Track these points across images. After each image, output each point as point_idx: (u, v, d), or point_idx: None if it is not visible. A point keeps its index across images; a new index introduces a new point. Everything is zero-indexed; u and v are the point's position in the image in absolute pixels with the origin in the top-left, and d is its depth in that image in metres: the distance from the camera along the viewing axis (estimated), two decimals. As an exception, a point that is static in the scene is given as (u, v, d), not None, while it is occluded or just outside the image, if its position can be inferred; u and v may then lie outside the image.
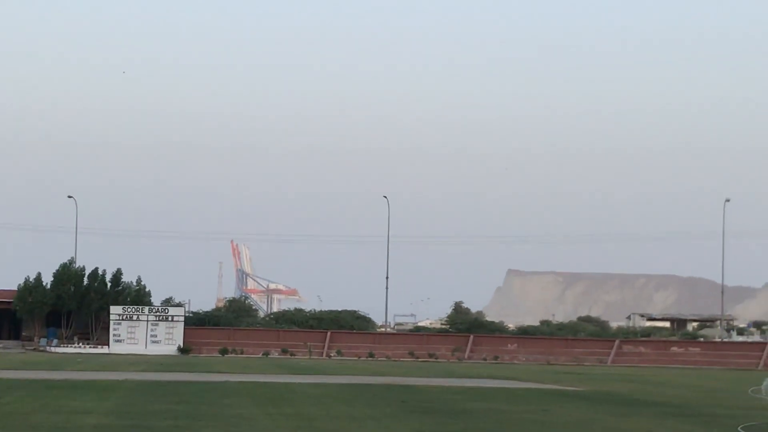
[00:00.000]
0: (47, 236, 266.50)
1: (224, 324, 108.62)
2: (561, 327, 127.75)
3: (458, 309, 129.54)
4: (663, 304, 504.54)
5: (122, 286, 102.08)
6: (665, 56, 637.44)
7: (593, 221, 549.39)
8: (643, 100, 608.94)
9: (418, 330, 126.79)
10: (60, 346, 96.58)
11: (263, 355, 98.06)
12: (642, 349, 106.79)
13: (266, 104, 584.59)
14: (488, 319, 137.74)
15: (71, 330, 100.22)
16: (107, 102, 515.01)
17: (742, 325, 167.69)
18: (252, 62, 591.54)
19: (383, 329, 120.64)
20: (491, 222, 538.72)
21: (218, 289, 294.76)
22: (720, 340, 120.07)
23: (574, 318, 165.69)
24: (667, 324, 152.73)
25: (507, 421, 30.03)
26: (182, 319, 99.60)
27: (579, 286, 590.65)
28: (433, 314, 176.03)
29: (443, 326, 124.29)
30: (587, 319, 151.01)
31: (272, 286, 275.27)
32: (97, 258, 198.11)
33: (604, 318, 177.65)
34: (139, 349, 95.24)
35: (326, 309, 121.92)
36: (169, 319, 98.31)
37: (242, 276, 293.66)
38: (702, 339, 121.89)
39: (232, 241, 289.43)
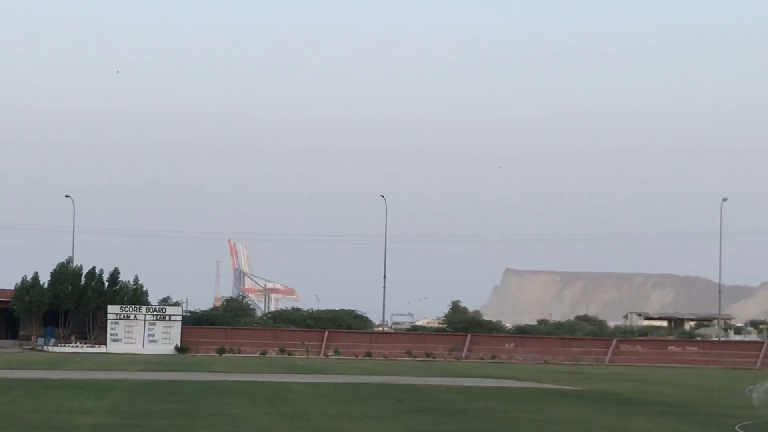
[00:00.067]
0: (45, 236, 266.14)
1: (222, 323, 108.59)
2: (558, 326, 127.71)
3: (456, 308, 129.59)
4: (660, 303, 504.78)
5: (119, 286, 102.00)
6: (665, 56, 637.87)
7: (590, 220, 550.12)
8: (641, 100, 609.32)
9: (415, 329, 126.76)
10: (57, 346, 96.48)
11: (261, 354, 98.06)
12: (639, 348, 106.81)
13: (265, 104, 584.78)
14: (485, 318, 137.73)
15: (69, 329, 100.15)
16: (106, 102, 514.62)
17: (739, 325, 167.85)
18: (252, 62, 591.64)
19: (381, 328, 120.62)
20: (488, 221, 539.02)
21: (216, 288, 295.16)
22: (717, 339, 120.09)
23: (571, 317, 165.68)
24: (665, 323, 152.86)
25: (504, 420, 30.06)
26: (180, 318, 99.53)
27: (576, 285, 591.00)
28: (430, 313, 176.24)
29: (440, 325, 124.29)
30: (584, 319, 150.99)
31: (270, 285, 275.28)
32: (94, 257, 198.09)
33: (601, 317, 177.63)
34: (136, 348, 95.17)
35: (324, 308, 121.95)
36: (167, 318, 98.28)
37: (240, 275, 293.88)
38: (699, 338, 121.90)
39: (229, 241, 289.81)
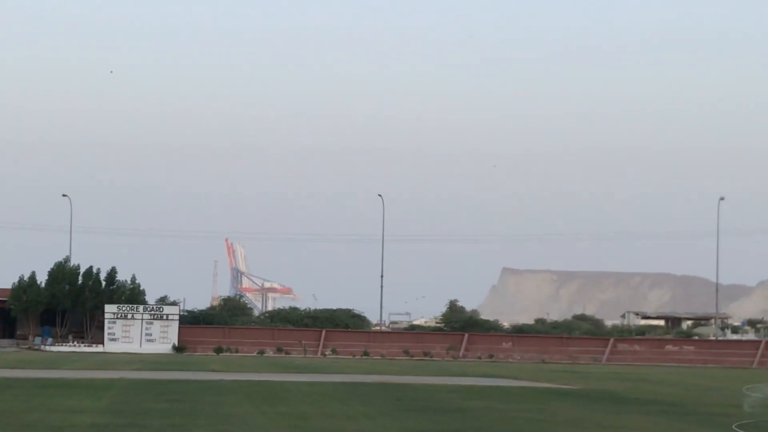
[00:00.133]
0: (42, 235, 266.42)
1: (219, 322, 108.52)
2: (556, 325, 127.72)
3: (453, 307, 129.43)
4: (658, 303, 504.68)
5: (117, 285, 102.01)
6: (665, 56, 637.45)
7: (588, 220, 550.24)
8: (641, 100, 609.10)
9: (413, 328, 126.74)
10: (55, 345, 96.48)
11: (258, 353, 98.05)
12: (637, 347, 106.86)
13: (264, 104, 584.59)
14: (483, 317, 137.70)
15: (66, 329, 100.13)
16: (104, 101, 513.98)
17: (736, 324, 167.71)
18: (252, 62, 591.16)
19: (378, 328, 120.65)
20: (486, 221, 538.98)
21: (213, 287, 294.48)
22: (714, 338, 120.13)
23: (568, 316, 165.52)
24: (662, 322, 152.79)
25: (502, 419, 30.06)
26: (177, 317, 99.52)
27: (574, 285, 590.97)
28: (428, 313, 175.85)
29: (438, 325, 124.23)
30: (582, 318, 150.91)
31: (267, 284, 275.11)
32: (91, 257, 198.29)
33: (598, 316, 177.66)
34: (133, 347, 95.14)
35: (321, 307, 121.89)
36: (164, 317, 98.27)
37: (237, 274, 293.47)
38: (696, 337, 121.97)
39: (226, 240, 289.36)
